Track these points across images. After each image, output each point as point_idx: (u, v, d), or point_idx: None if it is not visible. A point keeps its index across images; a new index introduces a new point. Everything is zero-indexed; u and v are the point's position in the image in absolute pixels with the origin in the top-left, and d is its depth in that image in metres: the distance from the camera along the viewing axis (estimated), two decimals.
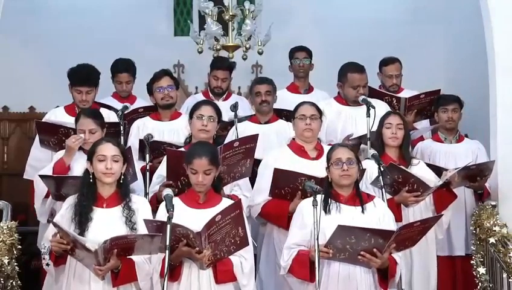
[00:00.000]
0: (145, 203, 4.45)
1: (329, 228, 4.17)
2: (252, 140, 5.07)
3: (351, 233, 4.19)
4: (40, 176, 5.10)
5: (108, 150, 4.25)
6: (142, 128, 5.84)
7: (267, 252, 5.30)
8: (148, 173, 5.18)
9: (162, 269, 4.04)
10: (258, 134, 5.15)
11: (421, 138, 6.38)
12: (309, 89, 6.86)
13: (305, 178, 4.81)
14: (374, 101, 5.86)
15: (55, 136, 5.56)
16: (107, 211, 4.25)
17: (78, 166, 5.08)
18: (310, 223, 4.27)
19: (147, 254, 4.16)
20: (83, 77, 5.91)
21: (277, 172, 4.92)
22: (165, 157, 5.11)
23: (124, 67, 6.58)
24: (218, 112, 5.26)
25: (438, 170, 5.42)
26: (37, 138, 5.92)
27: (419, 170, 5.20)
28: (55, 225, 4.10)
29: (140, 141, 5.51)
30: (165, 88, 5.93)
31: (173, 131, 5.85)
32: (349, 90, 5.99)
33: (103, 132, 5.26)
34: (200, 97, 6.50)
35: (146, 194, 5.09)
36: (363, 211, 4.42)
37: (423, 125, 6.48)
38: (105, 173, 4.21)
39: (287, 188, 4.93)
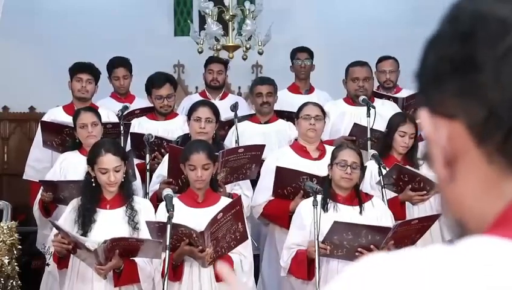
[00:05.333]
0: (149, 204, 4.45)
1: (327, 227, 4.19)
2: (258, 149, 5.07)
3: (348, 229, 4.20)
4: (40, 181, 5.18)
5: (110, 162, 4.24)
6: (138, 127, 5.84)
7: (269, 253, 5.31)
8: (148, 173, 5.19)
9: (164, 269, 4.05)
10: (264, 145, 5.15)
11: (421, 138, 6.38)
12: (310, 90, 6.85)
13: (307, 177, 4.81)
14: (380, 101, 5.88)
15: (59, 136, 5.57)
16: (111, 213, 4.27)
17: (70, 166, 5.11)
18: (309, 223, 4.27)
19: (149, 258, 4.18)
20: (84, 65, 5.98)
21: (279, 170, 4.92)
22: (166, 156, 5.12)
23: (119, 63, 6.59)
24: (216, 111, 5.26)
25: None
26: (36, 138, 5.93)
27: (425, 171, 5.19)
28: (54, 225, 4.12)
29: (135, 137, 5.50)
30: (164, 98, 5.92)
31: (168, 131, 5.84)
32: (350, 83, 6.03)
33: (102, 129, 5.27)
34: (197, 97, 6.47)
35: (146, 193, 5.10)
36: (361, 211, 4.43)
37: None
38: (109, 183, 4.24)
39: (290, 187, 4.94)
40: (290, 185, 4.94)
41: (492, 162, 0.83)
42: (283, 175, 4.92)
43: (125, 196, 4.32)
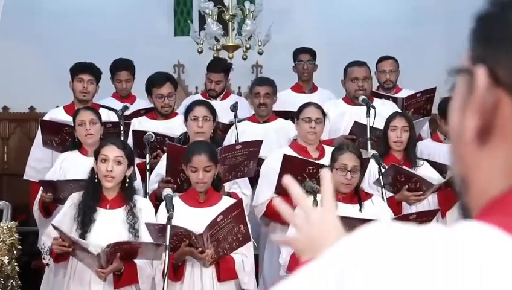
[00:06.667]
0: (149, 206, 4.43)
1: None
2: (255, 145, 5.07)
3: (345, 223, 4.21)
4: (39, 181, 5.18)
5: (112, 151, 4.24)
6: (138, 126, 5.83)
7: (271, 253, 5.30)
8: (148, 172, 5.19)
9: (164, 269, 4.05)
10: (262, 140, 5.13)
11: (420, 138, 6.39)
12: (313, 89, 6.85)
13: (314, 167, 4.81)
14: (381, 102, 5.88)
15: (58, 135, 5.57)
16: (110, 213, 4.26)
17: (70, 166, 5.11)
18: None
19: (150, 259, 4.17)
20: (86, 65, 5.97)
21: (286, 158, 4.90)
22: (164, 155, 5.13)
23: (123, 66, 6.59)
24: (213, 110, 5.26)
25: (442, 169, 5.40)
26: (37, 138, 5.93)
27: (424, 171, 5.20)
28: (55, 228, 4.11)
29: (137, 135, 5.50)
30: (165, 97, 5.91)
31: (168, 129, 5.83)
32: (349, 83, 6.04)
33: (102, 129, 5.27)
34: (198, 98, 6.47)
35: (146, 193, 5.09)
36: (360, 209, 4.45)
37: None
38: (106, 175, 4.21)
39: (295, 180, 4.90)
40: (295, 177, 4.89)
41: None
42: (290, 164, 4.89)
43: (126, 197, 4.30)
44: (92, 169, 4.32)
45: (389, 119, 5.33)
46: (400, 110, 5.84)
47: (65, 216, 4.26)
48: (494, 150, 0.83)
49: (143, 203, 4.41)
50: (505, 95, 0.81)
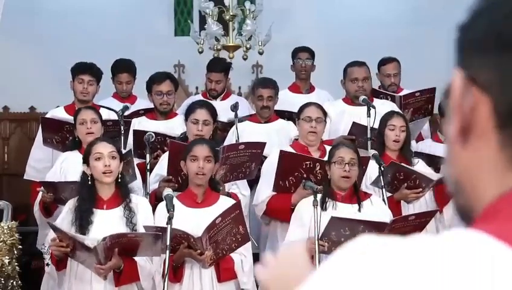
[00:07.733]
0: (146, 203, 4.45)
1: (325, 225, 4.21)
2: (258, 147, 5.07)
3: (345, 225, 4.23)
4: (40, 182, 5.18)
5: (104, 147, 4.27)
6: (138, 127, 5.83)
7: (271, 253, 5.30)
8: (148, 172, 5.19)
9: (164, 270, 4.05)
10: (265, 142, 5.14)
11: (421, 138, 6.39)
12: (310, 89, 6.85)
13: (311, 162, 4.81)
14: (380, 101, 5.87)
15: (59, 133, 5.58)
16: (108, 213, 4.26)
17: (71, 166, 5.11)
18: (308, 221, 4.29)
19: (149, 256, 4.18)
20: (86, 66, 5.98)
21: (283, 155, 4.90)
22: (163, 155, 5.13)
23: (124, 68, 6.59)
24: (214, 113, 5.27)
25: (438, 162, 5.41)
26: (37, 138, 5.93)
27: (419, 168, 5.21)
28: (52, 226, 4.11)
29: (137, 135, 5.50)
30: (164, 94, 5.91)
31: (169, 129, 5.84)
32: (349, 84, 6.05)
33: (102, 128, 5.27)
34: (200, 99, 6.46)
35: (147, 194, 5.09)
36: (359, 209, 4.45)
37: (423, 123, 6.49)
38: (105, 171, 4.22)
39: (292, 177, 4.92)
40: (292, 173, 4.91)
41: (503, 150, 0.84)
42: (287, 160, 4.89)
43: (121, 195, 4.31)
44: (83, 172, 4.32)
45: (386, 118, 5.33)
46: (396, 110, 5.83)
47: (63, 221, 4.27)
48: (478, 150, 0.85)
49: (138, 199, 4.44)
50: (481, 96, 0.85)
